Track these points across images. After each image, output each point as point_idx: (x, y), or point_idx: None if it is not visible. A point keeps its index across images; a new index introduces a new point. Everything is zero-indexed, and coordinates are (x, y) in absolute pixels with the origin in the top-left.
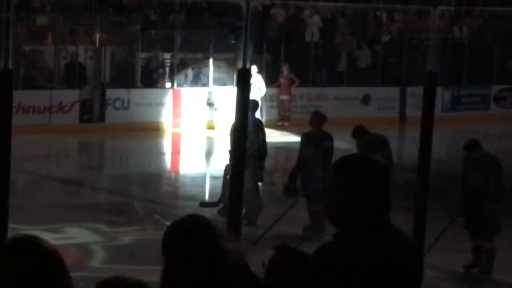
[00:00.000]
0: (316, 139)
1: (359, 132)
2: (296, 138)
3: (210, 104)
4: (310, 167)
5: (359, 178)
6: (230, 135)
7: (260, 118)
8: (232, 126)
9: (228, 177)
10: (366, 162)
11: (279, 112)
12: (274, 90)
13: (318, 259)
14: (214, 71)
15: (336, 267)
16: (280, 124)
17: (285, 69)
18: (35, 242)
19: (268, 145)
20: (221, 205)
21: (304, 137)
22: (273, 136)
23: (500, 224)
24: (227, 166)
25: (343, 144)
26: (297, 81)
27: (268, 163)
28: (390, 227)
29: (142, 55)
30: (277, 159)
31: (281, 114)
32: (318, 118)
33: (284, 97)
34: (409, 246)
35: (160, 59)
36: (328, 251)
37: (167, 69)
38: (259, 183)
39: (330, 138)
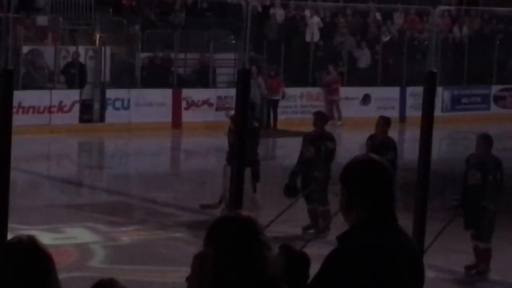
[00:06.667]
0: (317, 139)
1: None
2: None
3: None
4: (311, 167)
5: (358, 178)
6: (227, 135)
7: (257, 120)
8: (229, 126)
9: (226, 177)
10: (367, 163)
11: (327, 112)
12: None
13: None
14: (214, 71)
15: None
16: (339, 123)
17: (331, 69)
18: (19, 242)
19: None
20: (222, 205)
21: (306, 137)
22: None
23: (496, 226)
24: (224, 166)
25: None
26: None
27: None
28: (396, 227)
29: (142, 55)
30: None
31: (329, 115)
32: (319, 118)
33: (335, 97)
34: (413, 247)
35: (160, 59)
36: (337, 260)
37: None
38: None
39: (331, 139)
